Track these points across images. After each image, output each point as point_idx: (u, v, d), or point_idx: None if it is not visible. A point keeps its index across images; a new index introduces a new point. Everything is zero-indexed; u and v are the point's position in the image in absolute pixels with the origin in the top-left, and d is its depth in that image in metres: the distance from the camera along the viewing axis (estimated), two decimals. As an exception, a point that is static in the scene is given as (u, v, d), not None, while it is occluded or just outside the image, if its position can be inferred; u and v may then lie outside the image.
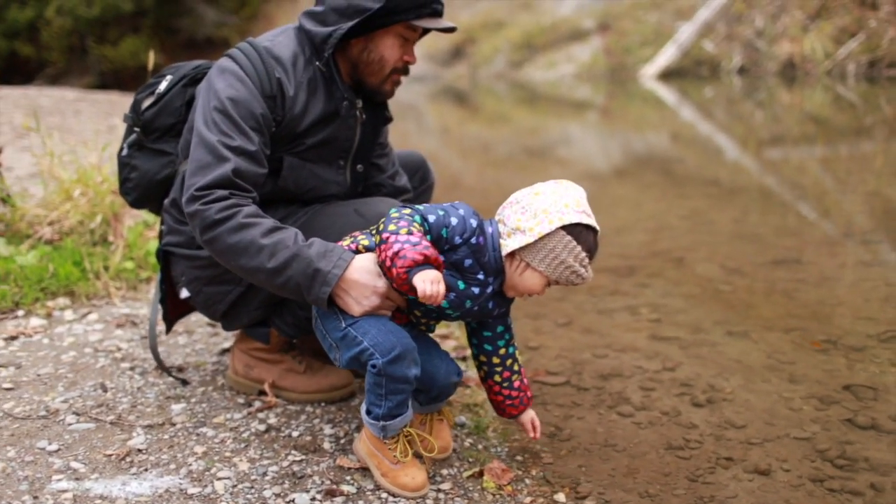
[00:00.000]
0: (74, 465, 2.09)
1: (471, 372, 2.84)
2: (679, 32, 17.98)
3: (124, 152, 2.53)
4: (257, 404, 2.51)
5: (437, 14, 2.24)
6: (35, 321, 3.17)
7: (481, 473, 2.14)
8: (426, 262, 1.76)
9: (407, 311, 2.05)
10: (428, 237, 1.85)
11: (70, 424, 2.33)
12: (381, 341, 1.90)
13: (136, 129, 2.48)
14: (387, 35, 2.26)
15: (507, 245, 1.91)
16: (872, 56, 15.20)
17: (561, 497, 2.07)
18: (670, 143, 10.05)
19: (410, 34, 2.28)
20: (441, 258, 1.83)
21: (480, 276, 1.95)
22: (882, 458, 2.24)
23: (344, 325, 1.96)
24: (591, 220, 1.90)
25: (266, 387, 2.53)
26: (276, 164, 2.28)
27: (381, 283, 1.94)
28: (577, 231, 1.87)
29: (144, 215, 4.37)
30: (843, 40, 15.72)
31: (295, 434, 2.33)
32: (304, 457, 2.19)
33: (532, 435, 2.25)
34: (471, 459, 2.24)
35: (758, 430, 2.42)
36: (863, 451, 2.28)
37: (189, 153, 2.20)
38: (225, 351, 2.95)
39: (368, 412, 2.00)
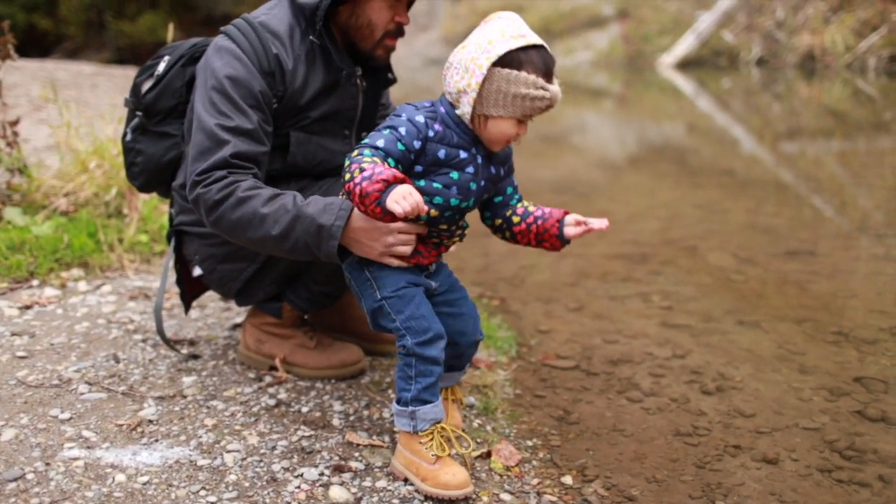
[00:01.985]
0: (86, 433, 2.11)
1: (480, 353, 2.85)
2: (699, 22, 17.84)
3: (128, 137, 2.50)
4: (268, 379, 2.52)
5: None
6: (49, 291, 3.19)
7: (489, 454, 2.14)
8: (388, 186, 1.70)
9: (430, 235, 1.98)
10: (390, 161, 1.80)
11: (82, 394, 2.35)
12: (414, 325, 1.89)
13: (139, 112, 2.47)
14: None
15: (461, 112, 1.85)
16: (894, 50, 15.01)
17: (568, 480, 2.08)
18: (686, 133, 9.98)
19: None
20: (400, 174, 1.75)
21: (464, 155, 1.88)
22: (891, 450, 2.23)
23: (379, 297, 1.94)
24: (524, 41, 1.78)
25: (277, 362, 2.54)
26: (283, 140, 2.27)
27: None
28: (510, 59, 1.76)
29: (159, 190, 4.38)
30: (864, 33, 15.53)
31: (304, 409, 2.34)
32: (313, 432, 2.21)
33: (586, 228, 1.98)
34: (479, 440, 2.24)
35: (767, 420, 2.42)
36: (872, 443, 2.27)
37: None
38: (237, 326, 2.97)
39: (398, 400, 1.94)
